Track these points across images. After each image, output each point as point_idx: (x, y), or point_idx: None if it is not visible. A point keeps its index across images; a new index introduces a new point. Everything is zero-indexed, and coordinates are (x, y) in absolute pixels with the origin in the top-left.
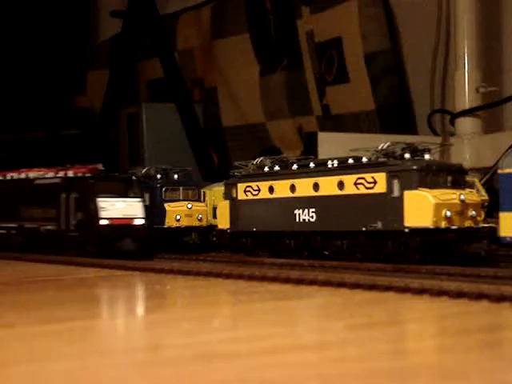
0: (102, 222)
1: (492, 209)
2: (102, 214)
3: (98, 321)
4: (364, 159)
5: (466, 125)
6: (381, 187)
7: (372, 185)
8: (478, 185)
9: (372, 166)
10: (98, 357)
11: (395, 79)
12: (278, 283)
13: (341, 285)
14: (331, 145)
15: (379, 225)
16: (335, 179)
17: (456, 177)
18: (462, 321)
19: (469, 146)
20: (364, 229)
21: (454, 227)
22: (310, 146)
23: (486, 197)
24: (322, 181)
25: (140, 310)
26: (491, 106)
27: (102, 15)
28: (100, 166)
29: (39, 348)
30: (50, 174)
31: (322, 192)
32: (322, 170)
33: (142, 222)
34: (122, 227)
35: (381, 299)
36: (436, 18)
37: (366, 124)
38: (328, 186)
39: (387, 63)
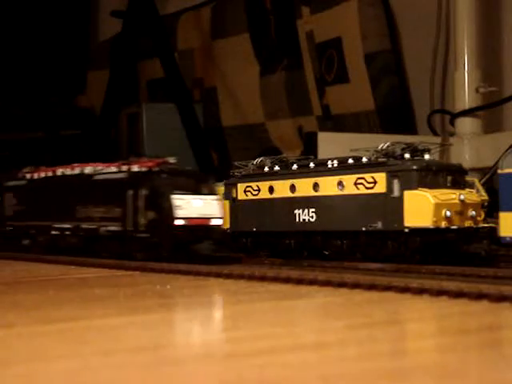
0: (178, 223)
1: (492, 209)
2: (178, 213)
3: (99, 321)
4: (364, 159)
5: (465, 125)
6: (381, 187)
7: (372, 185)
8: (478, 185)
9: (372, 166)
10: (98, 357)
11: (395, 79)
12: (278, 283)
13: (341, 285)
14: (331, 145)
15: (379, 225)
16: (335, 179)
17: (456, 177)
18: (462, 321)
19: (469, 146)
20: (364, 229)
21: (453, 227)
22: (309, 146)
23: (485, 197)
24: (321, 181)
25: (140, 309)
26: (491, 106)
27: (102, 15)
28: (171, 160)
29: (39, 348)
30: (112, 169)
31: (321, 192)
32: (322, 170)
33: (220, 222)
34: (199, 228)
35: (381, 299)
36: (436, 17)
37: (366, 124)
38: (328, 186)
39: (387, 63)
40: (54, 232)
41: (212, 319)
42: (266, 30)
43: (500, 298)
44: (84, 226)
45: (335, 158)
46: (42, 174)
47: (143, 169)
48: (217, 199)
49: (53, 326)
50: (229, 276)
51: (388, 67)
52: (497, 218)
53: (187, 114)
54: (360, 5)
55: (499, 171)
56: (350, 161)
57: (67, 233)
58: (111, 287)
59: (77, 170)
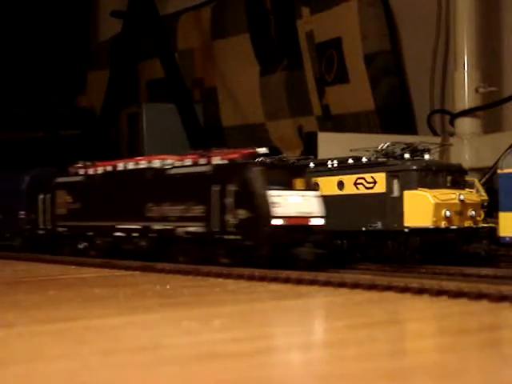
0: (276, 222)
1: (492, 209)
2: (276, 211)
3: (98, 320)
4: (364, 159)
5: (465, 125)
6: (380, 187)
7: (372, 185)
8: (478, 185)
9: (372, 166)
10: (97, 357)
11: (395, 79)
12: (278, 283)
13: (341, 285)
14: (331, 145)
15: (379, 225)
16: (335, 179)
17: (456, 177)
18: (462, 321)
19: (468, 146)
20: (364, 229)
21: (453, 227)
22: (309, 146)
23: (485, 197)
24: (321, 181)
25: (140, 309)
26: (491, 106)
27: (102, 15)
28: (261, 150)
29: (39, 348)
30: (188, 162)
31: (322, 192)
32: (322, 169)
33: (322, 221)
34: (298, 229)
35: (381, 299)
36: (436, 17)
37: (366, 124)
38: (328, 185)
39: (387, 63)
40: (117, 234)
41: (212, 319)
42: (266, 30)
43: (500, 298)
44: (156, 226)
45: (335, 158)
46: (100, 169)
47: (228, 161)
48: (317, 195)
49: (52, 326)
50: (229, 276)
51: (388, 67)
52: (496, 217)
53: (187, 114)
54: (360, 5)
55: (499, 171)
56: (350, 161)
57: (135, 234)
58: (111, 287)
59: (143, 164)
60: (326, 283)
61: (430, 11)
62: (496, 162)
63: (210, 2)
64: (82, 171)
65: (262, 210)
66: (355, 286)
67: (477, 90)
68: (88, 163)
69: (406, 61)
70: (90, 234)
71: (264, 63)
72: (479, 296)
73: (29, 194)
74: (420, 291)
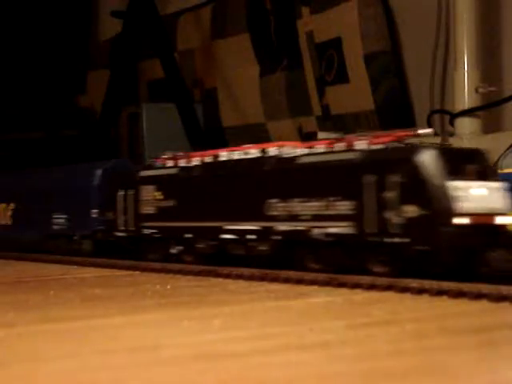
0: (459, 221)
1: None
2: (460, 207)
3: (99, 320)
4: None
5: (465, 125)
6: None
7: None
8: None
9: None
10: (97, 357)
11: (395, 79)
12: (278, 283)
13: (341, 285)
14: None
15: None
16: None
17: None
18: (462, 320)
19: (468, 146)
20: None
21: None
22: None
23: None
24: None
25: (140, 309)
26: (491, 106)
27: (102, 15)
28: (426, 131)
29: (39, 348)
30: (319, 149)
31: None
32: None
33: (510, 220)
34: (485, 229)
35: (381, 299)
36: (436, 17)
37: (366, 124)
38: None
39: (387, 63)
40: (225, 236)
41: (212, 319)
42: (266, 30)
43: (499, 298)
44: (282, 227)
45: None
46: (196, 160)
47: (384, 145)
48: (503, 187)
49: (53, 326)
50: (228, 276)
51: (388, 67)
52: None
53: (187, 114)
54: (360, 5)
55: (499, 171)
56: None
57: (250, 237)
58: (111, 287)
59: (256, 153)
60: (326, 283)
61: (430, 11)
62: (496, 162)
63: (209, 2)
64: (170, 163)
65: (440, 206)
66: (355, 286)
67: (477, 90)
68: (179, 153)
69: (406, 61)
70: (188, 236)
71: (264, 63)
72: (479, 296)
73: (102, 189)
74: (420, 291)
